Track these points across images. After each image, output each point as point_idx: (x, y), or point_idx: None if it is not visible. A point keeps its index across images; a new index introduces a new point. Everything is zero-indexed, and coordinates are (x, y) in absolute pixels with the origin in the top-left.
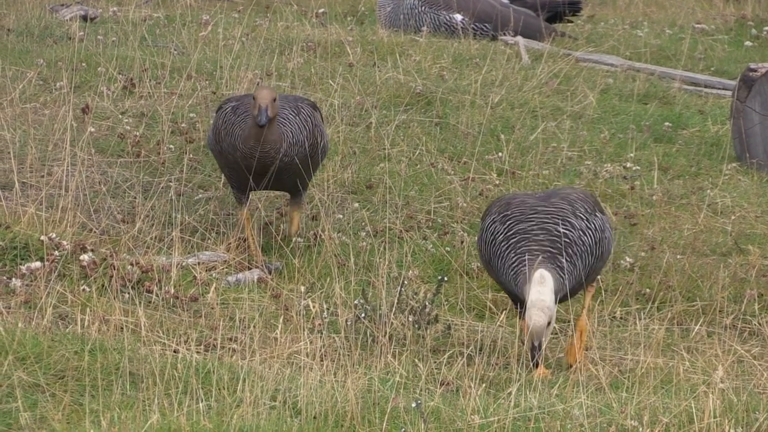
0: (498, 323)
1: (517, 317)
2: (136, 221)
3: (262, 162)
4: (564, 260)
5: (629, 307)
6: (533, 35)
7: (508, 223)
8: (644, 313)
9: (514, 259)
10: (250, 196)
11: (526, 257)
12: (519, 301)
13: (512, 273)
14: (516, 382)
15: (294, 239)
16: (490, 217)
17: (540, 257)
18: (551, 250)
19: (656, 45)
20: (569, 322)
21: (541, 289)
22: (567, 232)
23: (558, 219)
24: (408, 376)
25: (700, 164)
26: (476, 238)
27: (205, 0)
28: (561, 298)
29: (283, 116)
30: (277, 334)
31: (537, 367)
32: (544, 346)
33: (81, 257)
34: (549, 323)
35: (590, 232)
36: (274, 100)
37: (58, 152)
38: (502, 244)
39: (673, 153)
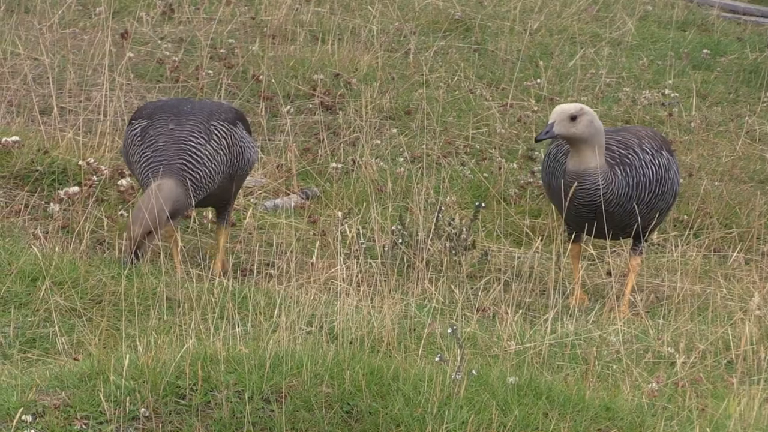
0: (535, 249)
1: (569, 243)
2: None
3: None
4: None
5: (667, 233)
6: None
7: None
8: (681, 240)
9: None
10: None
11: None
12: (573, 230)
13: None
14: (552, 308)
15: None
16: (554, 146)
17: None
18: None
19: None
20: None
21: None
22: (628, 155)
23: (621, 146)
24: (444, 302)
25: (738, 91)
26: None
27: None
28: (615, 235)
29: (191, 144)
30: (313, 259)
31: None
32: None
33: (119, 182)
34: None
35: (653, 166)
36: (149, 233)
37: (96, 77)
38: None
39: (711, 80)
